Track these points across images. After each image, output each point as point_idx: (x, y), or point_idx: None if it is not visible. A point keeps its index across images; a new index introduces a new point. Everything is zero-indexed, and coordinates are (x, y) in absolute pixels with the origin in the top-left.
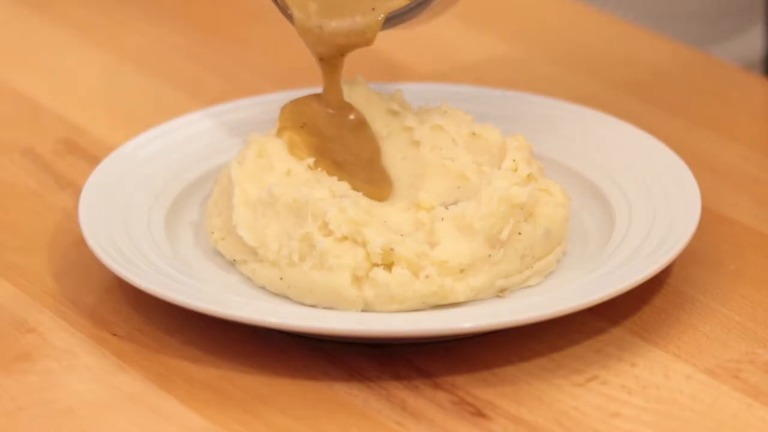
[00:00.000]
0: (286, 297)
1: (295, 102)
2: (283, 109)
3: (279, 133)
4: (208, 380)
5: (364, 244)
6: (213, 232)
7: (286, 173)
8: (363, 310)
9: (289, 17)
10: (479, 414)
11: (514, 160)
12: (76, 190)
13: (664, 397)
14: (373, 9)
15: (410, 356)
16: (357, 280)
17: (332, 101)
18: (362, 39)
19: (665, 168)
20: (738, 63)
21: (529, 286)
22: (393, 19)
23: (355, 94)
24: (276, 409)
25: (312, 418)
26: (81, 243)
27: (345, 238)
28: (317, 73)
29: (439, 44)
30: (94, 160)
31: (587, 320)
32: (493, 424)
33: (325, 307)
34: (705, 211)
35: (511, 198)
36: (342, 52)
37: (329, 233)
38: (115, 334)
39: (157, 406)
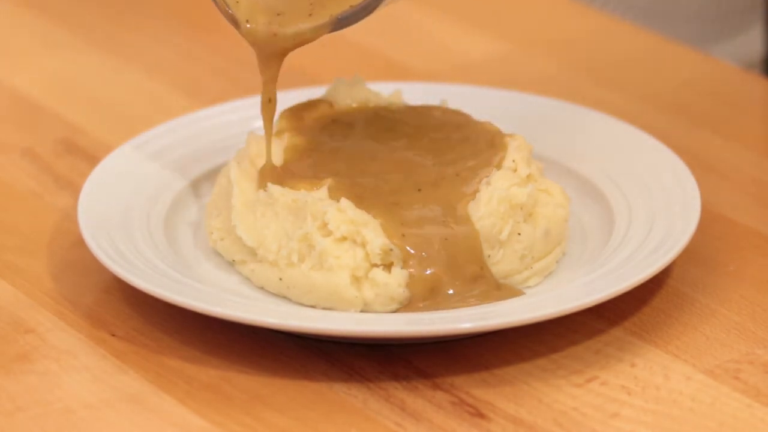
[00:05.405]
0: (285, 297)
1: (295, 107)
2: (283, 112)
3: (278, 134)
4: (208, 381)
5: (363, 245)
6: (212, 233)
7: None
8: (362, 311)
9: (235, 25)
10: (478, 414)
11: (514, 161)
12: (75, 191)
13: (664, 398)
14: (310, 15)
15: (409, 357)
16: (356, 280)
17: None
18: (310, 39)
19: (665, 168)
20: (738, 63)
21: (529, 287)
22: (344, 20)
23: (355, 93)
24: (275, 410)
25: (311, 418)
26: (80, 243)
27: (344, 238)
28: (316, 73)
29: (439, 44)
30: (93, 160)
31: (587, 320)
32: (492, 425)
33: (324, 308)
34: (705, 211)
35: (511, 198)
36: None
37: (328, 233)
38: (114, 335)
39: (156, 406)
